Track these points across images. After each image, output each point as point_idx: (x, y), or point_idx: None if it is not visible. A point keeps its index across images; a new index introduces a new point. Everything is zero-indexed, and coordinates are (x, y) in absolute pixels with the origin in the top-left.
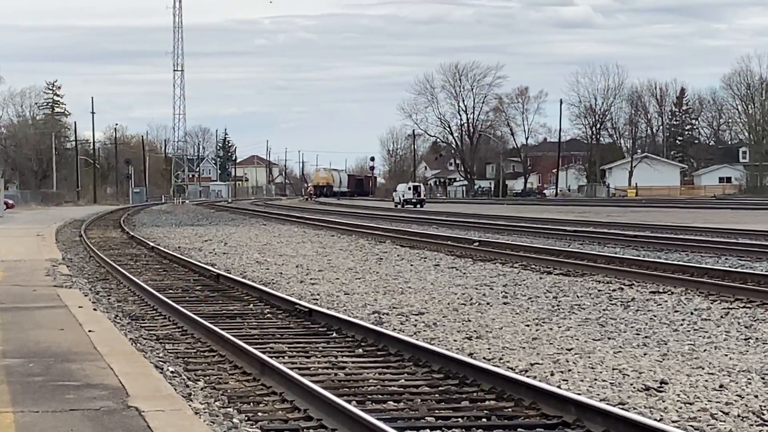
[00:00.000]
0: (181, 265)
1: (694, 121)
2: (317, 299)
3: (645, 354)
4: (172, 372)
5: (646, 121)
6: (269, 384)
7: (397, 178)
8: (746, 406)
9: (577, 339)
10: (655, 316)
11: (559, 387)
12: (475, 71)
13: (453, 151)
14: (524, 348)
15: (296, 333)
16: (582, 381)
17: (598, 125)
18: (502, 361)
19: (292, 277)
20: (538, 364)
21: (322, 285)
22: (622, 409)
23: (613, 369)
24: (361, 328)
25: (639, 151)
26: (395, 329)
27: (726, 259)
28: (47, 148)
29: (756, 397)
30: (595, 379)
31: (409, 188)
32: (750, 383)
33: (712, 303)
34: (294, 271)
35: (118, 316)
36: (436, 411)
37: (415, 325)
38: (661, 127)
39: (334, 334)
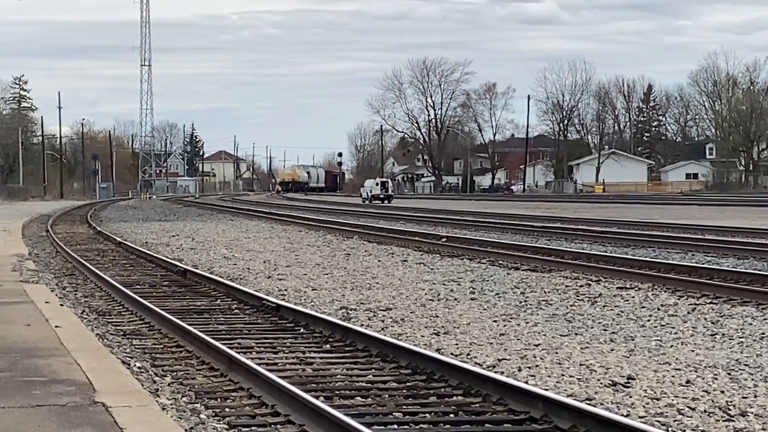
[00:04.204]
0: (148, 260)
1: (661, 118)
2: (285, 295)
3: (612, 350)
4: (139, 368)
5: (613, 118)
6: (237, 380)
7: (365, 174)
8: (713, 401)
9: (545, 335)
10: (622, 312)
11: (526, 382)
12: (442, 67)
13: (421, 147)
14: (492, 343)
15: (264, 329)
16: (549, 376)
17: (566, 121)
18: (469, 356)
19: (260, 273)
20: (506, 359)
21: (289, 281)
22: (589, 404)
23: (581, 365)
24: (329, 324)
25: (606, 147)
26: (363, 325)
27: (693, 255)
28: (14, 143)
29: (722, 392)
30: (563, 375)
31: (377, 184)
32: (716, 379)
33: (678, 299)
34: (261, 267)
35: (85, 312)
36: (404, 406)
37: (383, 321)
38: (628, 124)
39: (302, 330)
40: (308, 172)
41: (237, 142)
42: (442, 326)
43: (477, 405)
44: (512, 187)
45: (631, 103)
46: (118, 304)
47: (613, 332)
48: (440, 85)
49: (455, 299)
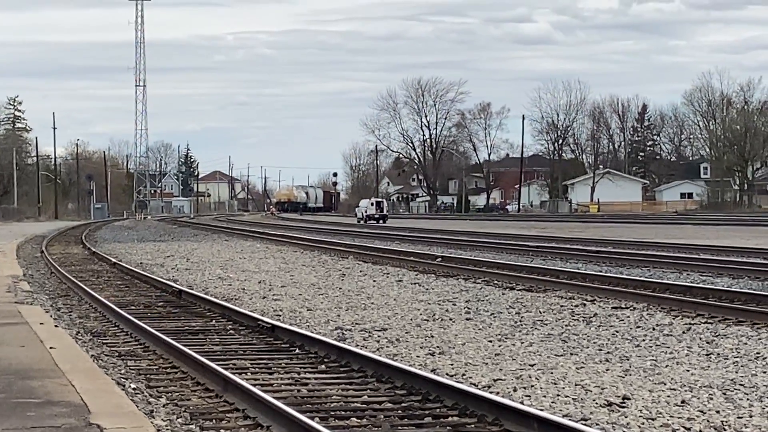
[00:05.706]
0: (143, 281)
1: (655, 137)
2: (280, 315)
3: (607, 370)
4: (134, 389)
5: (608, 137)
6: (232, 400)
7: (360, 194)
8: (708, 421)
9: (540, 355)
10: (617, 332)
11: (521, 403)
12: (437, 87)
13: (416, 167)
14: (487, 364)
15: (259, 349)
16: (545, 397)
17: (561, 141)
18: (464, 376)
19: (255, 293)
20: (501, 379)
21: (284, 301)
22: (585, 424)
23: (576, 385)
24: (324, 344)
25: (601, 166)
26: (358, 345)
27: (687, 274)
28: (8, 163)
29: (718, 412)
30: (558, 395)
31: (372, 204)
32: (711, 398)
33: (673, 318)
34: (257, 287)
35: (80, 333)
36: (399, 427)
37: (378, 341)
38: (622, 143)
39: (297, 351)
40: (307, 193)
41: (232, 163)
42: (438, 346)
43: (472, 425)
44: (507, 207)
45: (625, 122)
46: (113, 325)
47: (608, 352)
48: (435, 104)
49: (450, 319)
